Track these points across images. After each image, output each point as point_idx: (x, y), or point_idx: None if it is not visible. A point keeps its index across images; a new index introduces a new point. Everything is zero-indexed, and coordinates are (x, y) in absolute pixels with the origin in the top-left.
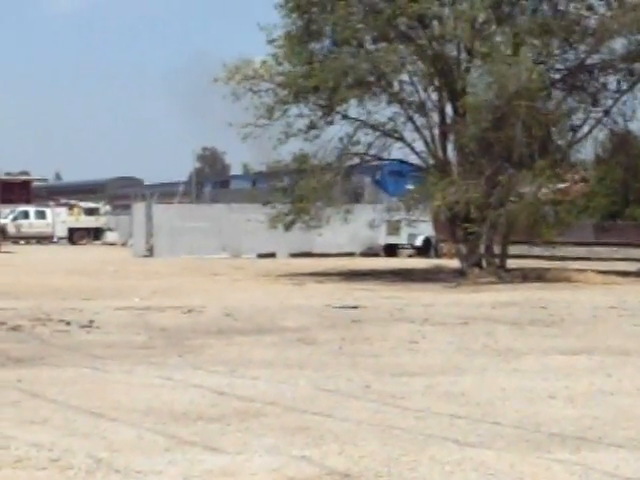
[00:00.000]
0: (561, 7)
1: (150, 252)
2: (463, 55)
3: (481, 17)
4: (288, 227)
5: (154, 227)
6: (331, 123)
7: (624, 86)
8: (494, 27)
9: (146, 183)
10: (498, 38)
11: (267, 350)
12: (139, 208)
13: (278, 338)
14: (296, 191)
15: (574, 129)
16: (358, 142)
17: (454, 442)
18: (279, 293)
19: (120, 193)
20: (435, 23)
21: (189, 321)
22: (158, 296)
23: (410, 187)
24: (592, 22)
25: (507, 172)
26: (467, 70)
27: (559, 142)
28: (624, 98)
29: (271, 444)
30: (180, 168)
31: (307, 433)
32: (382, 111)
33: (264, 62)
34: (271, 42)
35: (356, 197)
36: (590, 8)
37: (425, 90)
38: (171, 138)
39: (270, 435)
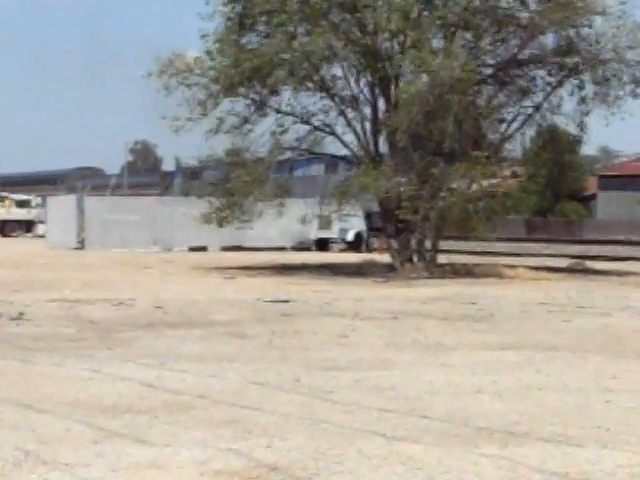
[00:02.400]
0: (493, 2)
1: (82, 245)
2: (395, 48)
3: (414, 10)
4: (222, 223)
5: (85, 220)
6: (264, 116)
7: (554, 81)
8: (427, 20)
9: (109, 173)
10: (430, 31)
11: (197, 343)
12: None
13: (208, 332)
14: (229, 185)
15: (505, 124)
16: (290, 135)
17: (382, 436)
18: (210, 287)
19: (80, 184)
20: (368, 15)
21: (119, 314)
22: (89, 289)
23: None
24: (523, 17)
25: (439, 166)
26: (399, 63)
27: (490, 137)
28: (554, 93)
29: (199, 437)
30: (112, 161)
31: (235, 426)
32: (314, 105)
33: (197, 58)
34: (204, 37)
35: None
36: (522, 3)
37: (357, 83)
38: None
39: (198, 428)
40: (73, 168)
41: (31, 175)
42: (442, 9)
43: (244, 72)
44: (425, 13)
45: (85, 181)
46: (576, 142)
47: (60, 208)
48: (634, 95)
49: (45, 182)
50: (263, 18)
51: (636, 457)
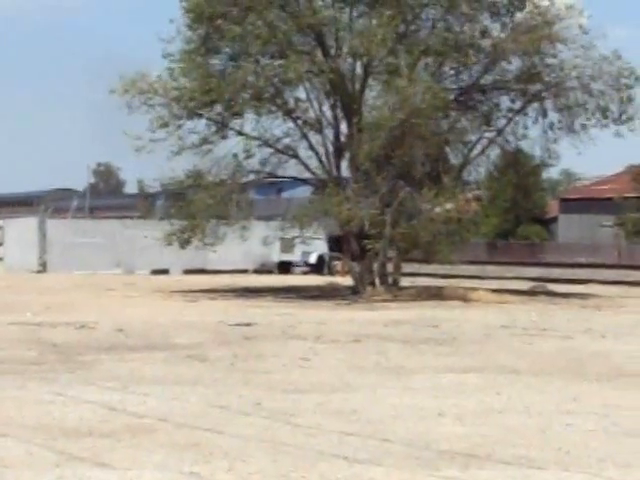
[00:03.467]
0: (456, 28)
1: (43, 267)
2: (359, 72)
3: (379, 35)
4: (183, 245)
5: (47, 242)
6: (225, 137)
7: (517, 106)
8: (391, 45)
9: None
10: (396, 57)
11: (159, 366)
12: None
13: (170, 355)
14: (190, 208)
15: (468, 148)
16: (252, 158)
17: (344, 459)
18: (172, 309)
19: (58, 206)
20: (332, 40)
21: (81, 337)
22: (51, 312)
23: None
24: (486, 43)
25: (402, 190)
26: (363, 88)
27: (453, 161)
28: (517, 118)
29: (161, 460)
30: (74, 182)
31: (197, 449)
32: (277, 128)
33: (159, 76)
34: (167, 56)
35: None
36: (484, 31)
37: (320, 107)
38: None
39: (160, 451)
40: (50, 190)
41: (6, 196)
42: (406, 37)
43: (207, 95)
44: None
45: (61, 203)
46: (540, 166)
47: (20, 230)
48: (601, 126)
49: (21, 204)
50: (227, 41)
51: (595, 479)
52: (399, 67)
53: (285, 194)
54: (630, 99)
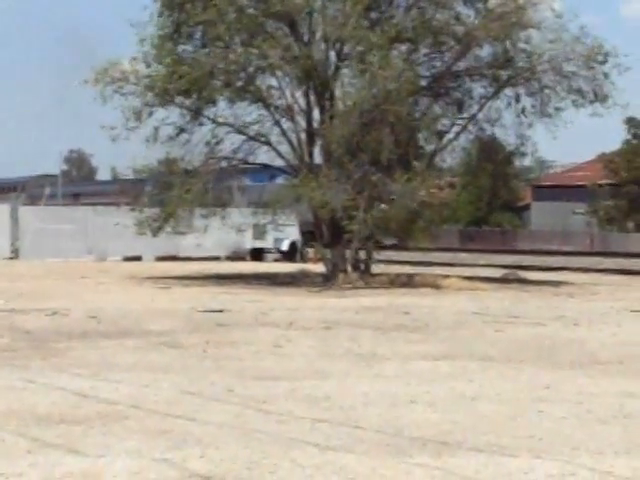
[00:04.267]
0: (429, 15)
1: (16, 254)
2: (332, 58)
3: (351, 21)
4: (156, 233)
5: (19, 229)
6: (200, 125)
7: (490, 92)
8: (363, 32)
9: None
10: (368, 42)
11: (131, 353)
12: None
13: (142, 341)
14: (164, 195)
15: (441, 135)
16: (224, 145)
17: (315, 446)
18: (144, 296)
19: (41, 192)
20: (304, 25)
21: (53, 324)
22: (23, 298)
23: None
24: (459, 29)
25: (375, 176)
26: (335, 74)
27: (426, 148)
28: (489, 104)
29: (133, 447)
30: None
31: (169, 436)
32: (250, 115)
33: (132, 62)
34: (142, 41)
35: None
36: (457, 17)
37: (292, 94)
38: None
39: (132, 438)
40: (34, 176)
41: None
42: (379, 22)
43: (179, 82)
44: (362, 25)
45: (46, 189)
46: (513, 153)
47: None
48: (577, 105)
49: (4, 190)
50: (199, 28)
51: (568, 467)
52: (371, 53)
53: (279, 180)
54: (605, 75)
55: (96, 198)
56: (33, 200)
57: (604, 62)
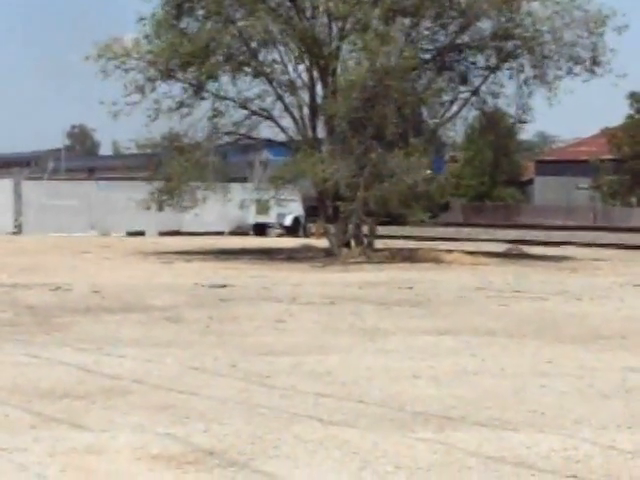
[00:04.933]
0: None
1: (19, 229)
2: (334, 33)
3: None
4: (161, 207)
5: (23, 204)
6: (202, 99)
7: (493, 65)
8: (366, 5)
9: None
10: (370, 17)
11: (134, 328)
12: None
13: (145, 316)
14: (168, 170)
15: (444, 109)
16: (226, 119)
17: (318, 421)
18: (147, 271)
19: (55, 166)
20: (308, 1)
21: (56, 299)
22: (26, 274)
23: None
24: (462, 2)
25: (377, 151)
26: (338, 48)
27: (429, 122)
28: (492, 77)
29: (136, 422)
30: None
31: (172, 411)
32: (252, 89)
33: (135, 40)
34: (142, 20)
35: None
36: None
37: (295, 68)
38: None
39: (135, 413)
40: (47, 150)
41: (4, 156)
42: None
43: (181, 57)
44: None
45: (50, 164)
46: (515, 126)
47: None
48: (571, 73)
49: (17, 164)
50: (201, 2)
51: (570, 441)
52: (372, 28)
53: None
54: (600, 35)
55: (112, 172)
56: (50, 174)
57: (602, 25)
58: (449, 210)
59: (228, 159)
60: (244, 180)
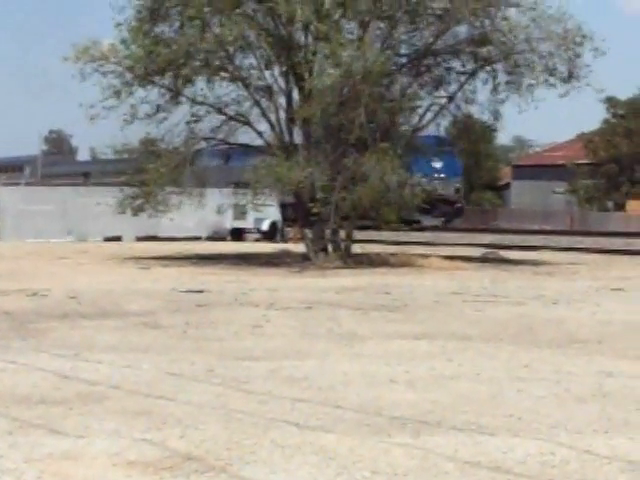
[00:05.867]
0: None
1: None
2: (309, 39)
3: (325, 1)
4: (136, 212)
5: (0, 210)
6: (179, 104)
7: (468, 70)
8: (340, 11)
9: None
10: (344, 22)
11: (111, 334)
12: None
13: (122, 322)
14: (144, 175)
15: (419, 114)
16: (203, 124)
17: (295, 426)
18: (124, 277)
19: (49, 172)
20: (281, 6)
21: (33, 304)
22: (2, 279)
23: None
24: (438, 8)
25: (351, 156)
26: (313, 54)
27: (404, 127)
28: (468, 83)
29: (113, 428)
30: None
31: (149, 417)
32: (228, 94)
33: (112, 46)
34: (119, 25)
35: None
36: None
37: (271, 73)
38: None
39: (112, 419)
40: (41, 154)
41: None
42: (356, 1)
43: (158, 62)
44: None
45: (51, 167)
46: (491, 131)
47: None
48: (548, 84)
49: (9, 169)
50: (176, 9)
51: (546, 445)
52: (346, 33)
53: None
54: (577, 55)
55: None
56: (41, 179)
57: (581, 44)
58: (463, 215)
59: (230, 163)
60: (247, 185)
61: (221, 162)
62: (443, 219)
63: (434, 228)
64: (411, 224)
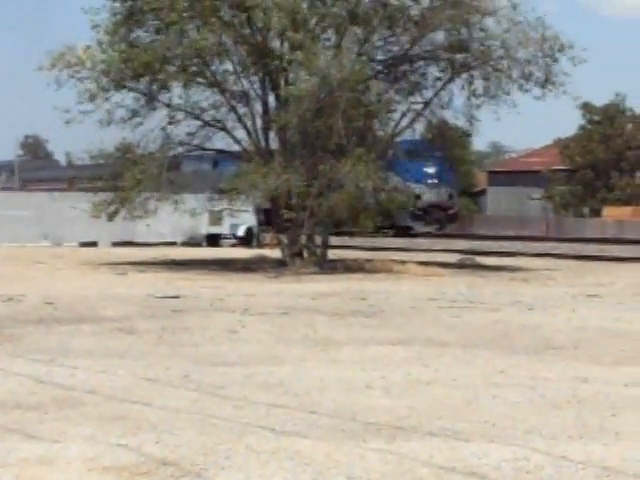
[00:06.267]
0: None
1: None
2: (286, 45)
3: (301, 9)
4: (111, 217)
5: None
6: (154, 109)
7: (445, 77)
8: (316, 18)
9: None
10: (319, 29)
11: (87, 339)
12: None
13: (98, 327)
14: (120, 181)
15: (396, 120)
16: (180, 130)
17: (271, 431)
18: (100, 282)
19: (34, 176)
20: (257, 13)
21: (9, 310)
22: None
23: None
24: (415, 13)
25: (328, 162)
26: (289, 62)
27: (380, 133)
28: (444, 89)
29: (88, 433)
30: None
31: (125, 422)
32: (205, 100)
33: (88, 48)
34: (95, 27)
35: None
36: (415, 0)
37: (248, 79)
38: None
39: (88, 424)
40: (25, 159)
41: None
42: (332, 8)
43: (134, 68)
44: (314, 11)
45: (37, 172)
46: (466, 137)
47: None
48: (523, 90)
49: None
50: (152, 14)
51: (521, 451)
52: (323, 39)
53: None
54: (554, 61)
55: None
56: (24, 183)
57: (559, 51)
58: (457, 221)
59: (219, 168)
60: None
61: (209, 167)
62: (436, 226)
63: (427, 234)
64: (404, 231)
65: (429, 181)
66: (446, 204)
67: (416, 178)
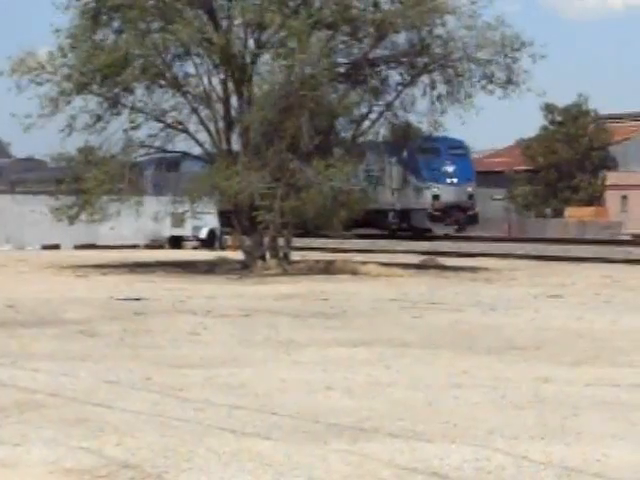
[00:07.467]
0: (347, 1)
1: None
2: (251, 45)
3: (269, 10)
4: (72, 220)
5: None
6: (118, 114)
7: (406, 80)
8: (280, 19)
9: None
10: (285, 30)
11: (49, 342)
12: None
13: (60, 330)
14: (81, 184)
15: (358, 122)
16: (141, 132)
17: (232, 433)
18: (62, 285)
19: (23, 178)
20: (222, 12)
21: None
22: None
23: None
24: (376, 17)
25: (292, 163)
26: (253, 61)
27: (343, 134)
28: (405, 91)
29: (50, 436)
30: None
31: (86, 425)
32: (167, 102)
33: (50, 53)
34: (57, 31)
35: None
36: (375, 4)
37: (210, 81)
38: None
39: (49, 427)
40: (13, 160)
41: None
42: (297, 10)
43: (96, 69)
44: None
45: (27, 174)
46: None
47: None
48: (487, 90)
49: None
50: (117, 14)
51: (482, 451)
52: (291, 39)
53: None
54: (515, 60)
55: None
56: (13, 186)
57: (518, 49)
58: (478, 222)
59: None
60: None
61: (173, 169)
62: (455, 227)
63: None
64: (421, 233)
65: (447, 180)
66: (466, 204)
67: (433, 177)
